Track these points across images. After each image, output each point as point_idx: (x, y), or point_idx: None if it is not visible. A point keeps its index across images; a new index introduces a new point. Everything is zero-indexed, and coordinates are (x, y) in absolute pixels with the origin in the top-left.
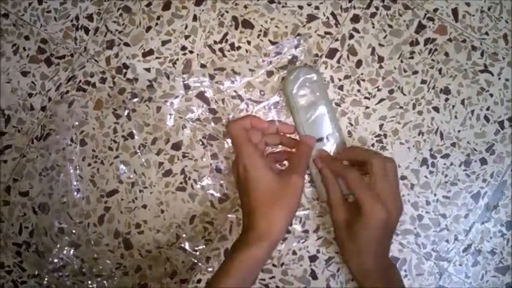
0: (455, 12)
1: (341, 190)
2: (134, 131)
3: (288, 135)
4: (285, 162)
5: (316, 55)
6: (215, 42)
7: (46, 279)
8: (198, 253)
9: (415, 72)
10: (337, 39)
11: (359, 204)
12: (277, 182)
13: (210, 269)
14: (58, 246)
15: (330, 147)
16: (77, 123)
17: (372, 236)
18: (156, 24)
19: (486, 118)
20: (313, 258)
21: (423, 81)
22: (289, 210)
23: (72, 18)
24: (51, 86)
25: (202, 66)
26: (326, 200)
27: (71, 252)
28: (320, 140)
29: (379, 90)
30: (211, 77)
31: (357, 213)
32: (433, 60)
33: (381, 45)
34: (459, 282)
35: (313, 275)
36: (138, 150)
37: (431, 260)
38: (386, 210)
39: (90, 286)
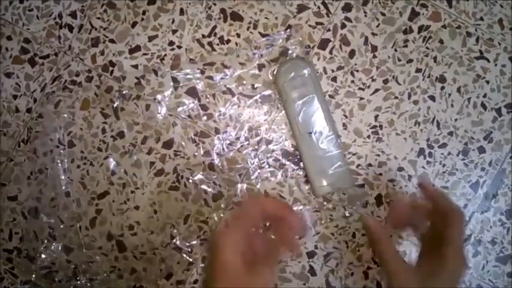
0: None
1: (396, 249)
2: (124, 130)
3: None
4: None
5: (308, 46)
6: (203, 36)
7: (39, 284)
8: (193, 253)
9: (410, 61)
10: (329, 30)
11: (445, 256)
12: (244, 275)
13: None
14: (49, 251)
15: (322, 141)
16: (64, 124)
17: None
18: (142, 19)
19: (483, 105)
20: (311, 254)
21: (418, 70)
22: None
23: (55, 16)
24: (36, 86)
25: (191, 61)
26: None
27: (63, 256)
28: (313, 132)
29: (373, 80)
30: (201, 72)
31: (434, 265)
32: (427, 48)
33: (374, 34)
34: None
35: (312, 272)
36: (128, 150)
37: None
38: (464, 268)
39: None
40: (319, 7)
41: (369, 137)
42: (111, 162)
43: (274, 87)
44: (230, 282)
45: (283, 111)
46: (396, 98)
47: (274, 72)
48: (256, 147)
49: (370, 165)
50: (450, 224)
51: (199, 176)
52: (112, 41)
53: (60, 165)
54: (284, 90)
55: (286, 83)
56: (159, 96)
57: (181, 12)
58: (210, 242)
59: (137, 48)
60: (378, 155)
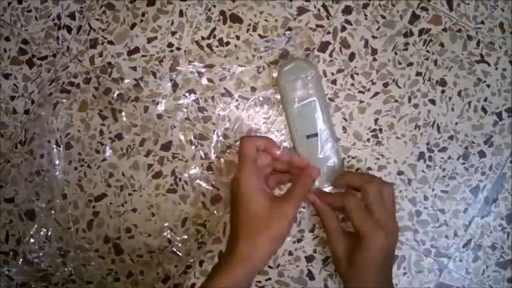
0: (449, 1)
1: (338, 220)
2: (122, 132)
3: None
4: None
5: (308, 49)
6: (203, 38)
7: (35, 286)
8: (191, 256)
9: (410, 64)
10: (329, 32)
11: (358, 232)
12: (267, 208)
13: (204, 273)
14: (46, 253)
15: (319, 144)
16: (61, 126)
17: (373, 265)
18: (141, 21)
19: (484, 109)
20: (309, 259)
21: (418, 73)
22: (273, 240)
23: (53, 17)
24: (34, 88)
25: (190, 63)
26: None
27: (60, 259)
28: (311, 136)
29: (373, 83)
30: (200, 74)
31: (357, 242)
32: (428, 51)
33: (374, 37)
34: (460, 279)
35: (310, 276)
36: (126, 152)
37: (430, 257)
38: (386, 237)
39: None
40: (319, 10)
41: (368, 140)
42: (108, 151)
43: (275, 87)
44: (254, 220)
45: (283, 114)
46: (396, 101)
47: (276, 72)
48: None
49: (369, 168)
50: (365, 199)
51: (197, 180)
52: (111, 42)
53: (57, 167)
54: (285, 90)
55: (287, 83)
56: (157, 98)
57: (181, 14)
58: (232, 189)
59: (136, 49)
60: (378, 159)
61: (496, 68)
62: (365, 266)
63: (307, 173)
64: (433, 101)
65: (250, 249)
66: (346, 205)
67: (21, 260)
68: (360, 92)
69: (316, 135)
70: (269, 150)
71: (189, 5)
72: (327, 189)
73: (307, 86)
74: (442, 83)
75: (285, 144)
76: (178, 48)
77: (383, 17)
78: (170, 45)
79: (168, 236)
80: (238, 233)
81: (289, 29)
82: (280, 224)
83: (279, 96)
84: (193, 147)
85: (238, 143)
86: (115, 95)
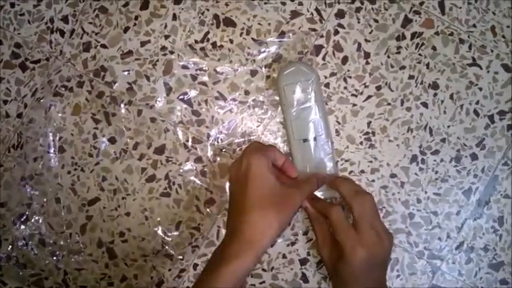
0: (441, 4)
1: (328, 227)
2: (115, 136)
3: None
4: None
5: (301, 52)
6: (196, 41)
7: None
8: (185, 260)
9: (403, 68)
10: (322, 36)
11: (340, 245)
12: (278, 189)
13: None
14: (39, 257)
15: (316, 149)
16: (54, 129)
17: (354, 279)
18: (134, 24)
19: (476, 112)
20: (303, 261)
21: (411, 77)
22: (280, 223)
23: (46, 20)
24: (27, 91)
25: (184, 66)
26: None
27: (53, 263)
28: (308, 140)
29: (366, 86)
30: (193, 77)
31: (341, 252)
32: (420, 54)
33: (366, 40)
34: (452, 281)
35: (304, 279)
36: (119, 156)
37: (423, 259)
38: (367, 249)
39: None
40: (312, 13)
41: (361, 143)
42: (104, 143)
43: (269, 89)
44: (266, 196)
45: (276, 117)
46: (389, 104)
47: (276, 74)
48: None
49: (362, 171)
50: (351, 210)
51: (191, 183)
52: (104, 46)
53: (50, 171)
54: (284, 93)
55: (287, 87)
56: (151, 102)
57: (174, 17)
58: (238, 170)
59: (129, 53)
60: (371, 162)
61: (488, 71)
62: (347, 279)
63: (314, 180)
64: (425, 104)
65: (259, 226)
66: (329, 217)
67: (14, 264)
68: (352, 95)
69: (313, 139)
70: (276, 160)
71: (182, 9)
72: (319, 193)
73: (307, 90)
74: (435, 86)
75: (281, 146)
76: (172, 52)
77: (376, 20)
78: (163, 48)
79: (162, 239)
80: (246, 211)
81: (283, 32)
82: (289, 209)
83: (274, 98)
84: (186, 150)
85: (233, 145)
86: (108, 99)
